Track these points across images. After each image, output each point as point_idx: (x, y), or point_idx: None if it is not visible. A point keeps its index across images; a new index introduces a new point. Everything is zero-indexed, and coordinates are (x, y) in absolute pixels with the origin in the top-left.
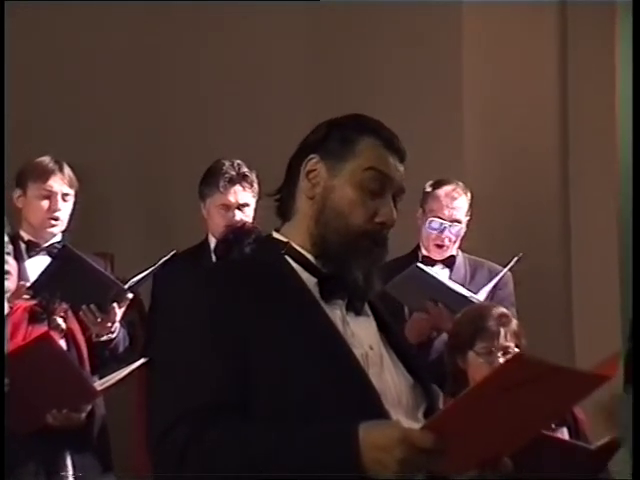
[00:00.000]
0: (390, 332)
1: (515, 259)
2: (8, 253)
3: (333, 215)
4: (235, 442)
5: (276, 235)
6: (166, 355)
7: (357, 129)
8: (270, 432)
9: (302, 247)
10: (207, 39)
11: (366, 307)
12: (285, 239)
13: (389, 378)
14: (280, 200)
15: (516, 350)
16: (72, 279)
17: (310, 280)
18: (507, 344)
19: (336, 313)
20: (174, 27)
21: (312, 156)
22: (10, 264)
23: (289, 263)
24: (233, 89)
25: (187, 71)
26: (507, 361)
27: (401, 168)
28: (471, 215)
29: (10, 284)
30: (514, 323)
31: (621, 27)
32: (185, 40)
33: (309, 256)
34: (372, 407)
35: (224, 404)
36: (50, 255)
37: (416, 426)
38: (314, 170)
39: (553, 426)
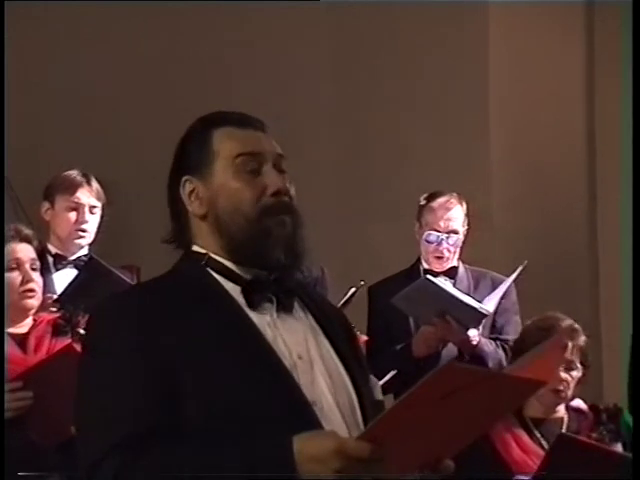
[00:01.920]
0: (326, 327)
1: (520, 268)
2: (35, 269)
3: (228, 215)
4: (167, 468)
5: (195, 247)
6: (89, 385)
7: (204, 130)
8: (203, 453)
9: (220, 254)
10: (232, 51)
11: (297, 306)
12: (204, 250)
13: (322, 383)
14: (177, 240)
15: (579, 366)
16: (99, 290)
17: (235, 290)
18: (572, 358)
19: (265, 319)
20: (196, 37)
21: (185, 177)
22: (36, 281)
23: (211, 275)
24: (259, 99)
25: (212, 82)
26: (439, 370)
27: (266, 136)
28: (469, 224)
29: (35, 301)
30: (582, 339)
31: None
32: (209, 51)
33: (229, 264)
34: (304, 419)
35: (153, 430)
36: (77, 268)
37: (354, 430)
38: (193, 190)
39: (607, 440)
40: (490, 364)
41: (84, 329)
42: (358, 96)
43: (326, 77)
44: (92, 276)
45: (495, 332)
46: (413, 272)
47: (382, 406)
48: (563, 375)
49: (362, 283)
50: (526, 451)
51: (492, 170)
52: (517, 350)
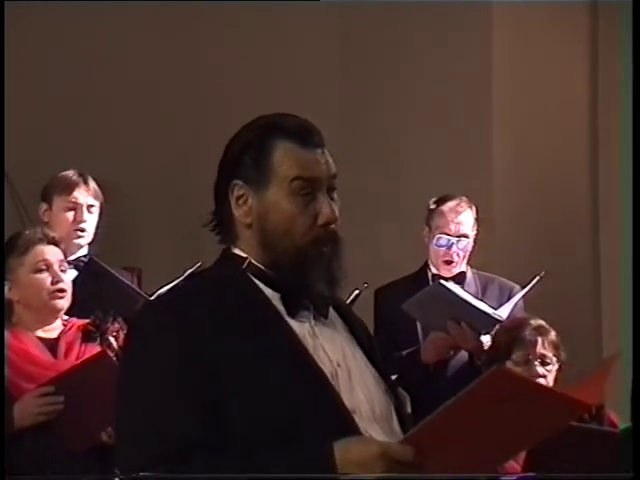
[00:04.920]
0: (358, 334)
1: (537, 278)
2: (63, 271)
3: (276, 236)
4: (212, 474)
5: (236, 250)
6: (131, 396)
7: (264, 141)
8: (245, 464)
9: (260, 263)
10: (232, 51)
11: (331, 313)
12: (244, 254)
13: (360, 391)
14: (218, 227)
15: (554, 360)
16: (99, 292)
17: (274, 296)
18: (544, 352)
19: (304, 327)
20: (195, 38)
21: (235, 182)
22: (66, 282)
23: (252, 280)
24: (263, 103)
25: (212, 83)
26: (488, 375)
27: (324, 155)
28: (478, 229)
29: (65, 302)
30: (552, 334)
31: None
32: (208, 52)
33: (269, 272)
34: (346, 427)
35: (196, 442)
36: (77, 268)
37: (392, 438)
38: (242, 195)
39: None
40: None
41: (124, 338)
42: (360, 97)
43: (326, 78)
44: (92, 276)
45: None
46: (420, 277)
47: (411, 419)
48: (540, 370)
49: (365, 286)
50: None
51: (495, 175)
52: (490, 356)
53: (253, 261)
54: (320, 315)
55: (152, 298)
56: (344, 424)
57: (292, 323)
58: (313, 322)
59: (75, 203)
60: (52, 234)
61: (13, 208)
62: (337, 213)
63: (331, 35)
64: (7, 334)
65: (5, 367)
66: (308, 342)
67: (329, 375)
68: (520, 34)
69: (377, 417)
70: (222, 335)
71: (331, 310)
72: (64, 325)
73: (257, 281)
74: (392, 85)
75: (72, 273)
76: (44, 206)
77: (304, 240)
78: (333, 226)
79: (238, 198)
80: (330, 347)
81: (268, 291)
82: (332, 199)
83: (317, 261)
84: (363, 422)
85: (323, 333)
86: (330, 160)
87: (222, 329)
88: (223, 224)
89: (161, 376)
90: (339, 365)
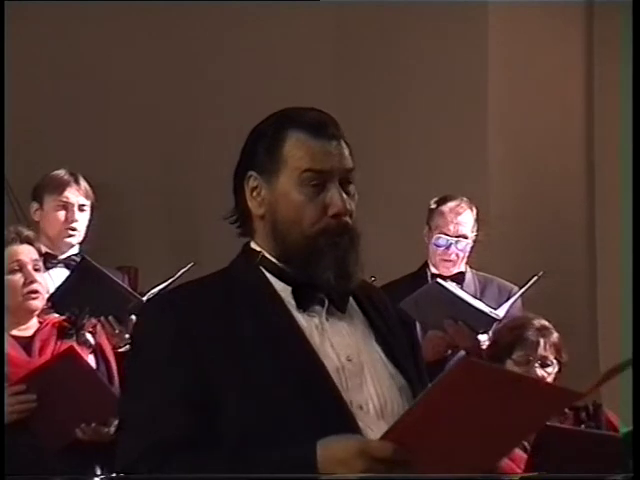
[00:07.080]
0: (379, 330)
1: (535, 277)
2: (37, 270)
3: (286, 227)
4: (195, 474)
5: (252, 244)
6: (131, 387)
7: (277, 131)
8: (230, 462)
9: (274, 256)
10: (231, 51)
11: (351, 306)
12: (259, 248)
13: (372, 388)
14: (237, 220)
15: (555, 362)
16: (90, 291)
17: (286, 290)
18: (546, 354)
19: (313, 322)
20: (193, 37)
21: (250, 173)
22: (39, 282)
23: (263, 275)
24: (261, 103)
25: (210, 82)
26: (457, 366)
27: (338, 147)
28: (478, 230)
29: (39, 303)
30: (555, 336)
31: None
32: (206, 51)
33: (282, 265)
34: (343, 423)
35: (189, 435)
36: (67, 267)
37: None
38: (256, 187)
39: None
40: None
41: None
42: (357, 98)
43: (325, 77)
44: (83, 275)
45: None
46: (420, 276)
47: None
48: (539, 372)
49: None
50: (512, 458)
51: (491, 175)
52: (491, 354)
53: (267, 255)
54: (337, 309)
55: (150, 295)
56: (342, 420)
57: (300, 317)
58: (325, 316)
59: (66, 203)
60: (26, 232)
61: (11, 209)
62: (350, 206)
63: (328, 35)
64: None
65: (5, 368)
66: (315, 337)
67: (334, 370)
68: (516, 34)
69: (387, 414)
70: (222, 330)
71: (352, 302)
72: (40, 322)
73: (269, 275)
74: (388, 84)
75: (63, 272)
76: (35, 205)
77: (312, 230)
78: (346, 218)
79: (252, 190)
80: (340, 342)
81: (279, 285)
82: (347, 192)
83: (327, 252)
84: (369, 418)
85: (334, 327)
86: (346, 153)
87: (223, 324)
88: (241, 217)
89: (158, 371)
90: (350, 360)
